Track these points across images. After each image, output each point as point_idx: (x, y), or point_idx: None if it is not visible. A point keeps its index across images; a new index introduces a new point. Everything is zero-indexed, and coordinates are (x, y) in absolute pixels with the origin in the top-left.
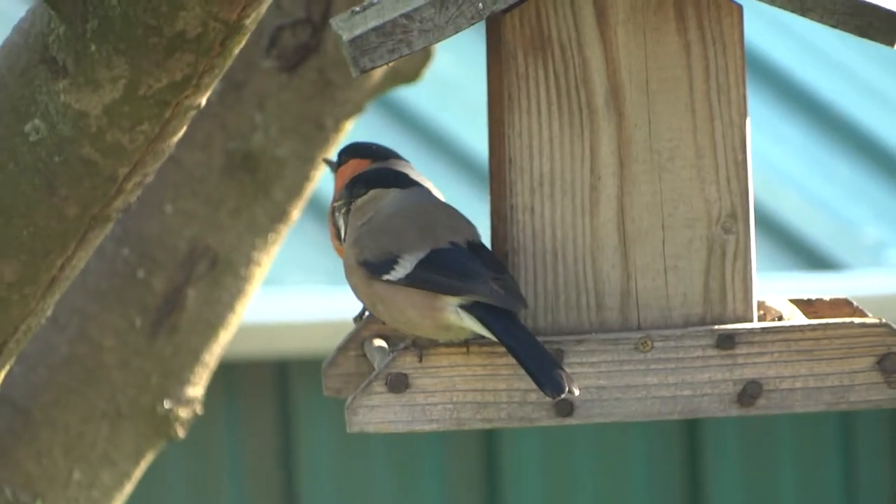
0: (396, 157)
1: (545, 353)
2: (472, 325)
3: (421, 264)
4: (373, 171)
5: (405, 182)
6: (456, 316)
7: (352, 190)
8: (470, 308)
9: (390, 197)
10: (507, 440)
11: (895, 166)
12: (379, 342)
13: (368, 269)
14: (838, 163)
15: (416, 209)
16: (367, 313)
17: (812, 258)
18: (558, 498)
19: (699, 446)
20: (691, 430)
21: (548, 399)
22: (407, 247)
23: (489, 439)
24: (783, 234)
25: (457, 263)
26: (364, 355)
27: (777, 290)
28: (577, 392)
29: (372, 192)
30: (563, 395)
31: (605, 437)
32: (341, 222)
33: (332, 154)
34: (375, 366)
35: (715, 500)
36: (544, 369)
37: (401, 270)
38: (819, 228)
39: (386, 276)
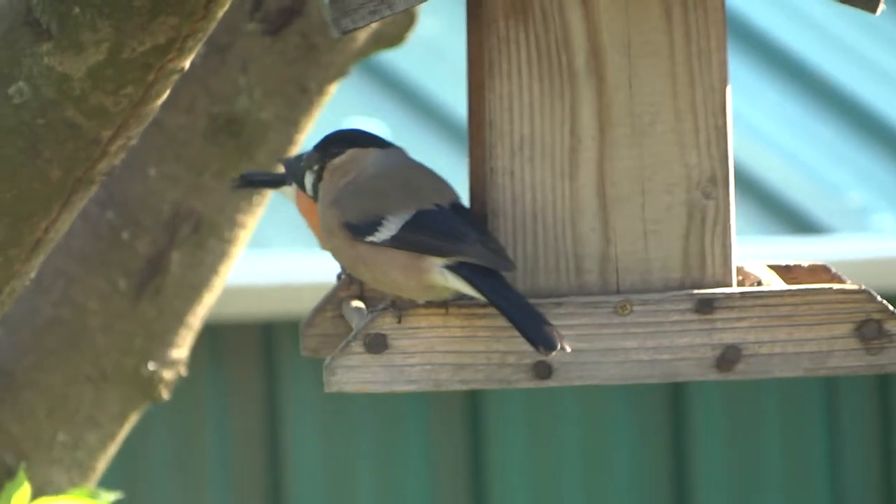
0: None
1: (535, 311)
2: (458, 285)
3: (407, 226)
4: (347, 131)
5: (382, 142)
6: (441, 276)
7: (326, 150)
8: (456, 269)
9: (372, 157)
10: (491, 402)
11: (879, 130)
12: (356, 303)
13: (351, 230)
14: (822, 127)
15: (399, 170)
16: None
17: (796, 222)
18: (543, 462)
19: (684, 416)
20: (676, 399)
21: (526, 361)
22: (392, 208)
23: (474, 399)
24: (767, 197)
25: (443, 224)
26: (341, 316)
27: (761, 254)
28: (568, 349)
29: (350, 152)
30: (555, 352)
31: (590, 401)
32: (310, 183)
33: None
34: (353, 326)
35: (700, 467)
36: (535, 326)
37: (386, 232)
38: (803, 192)
39: (370, 238)
